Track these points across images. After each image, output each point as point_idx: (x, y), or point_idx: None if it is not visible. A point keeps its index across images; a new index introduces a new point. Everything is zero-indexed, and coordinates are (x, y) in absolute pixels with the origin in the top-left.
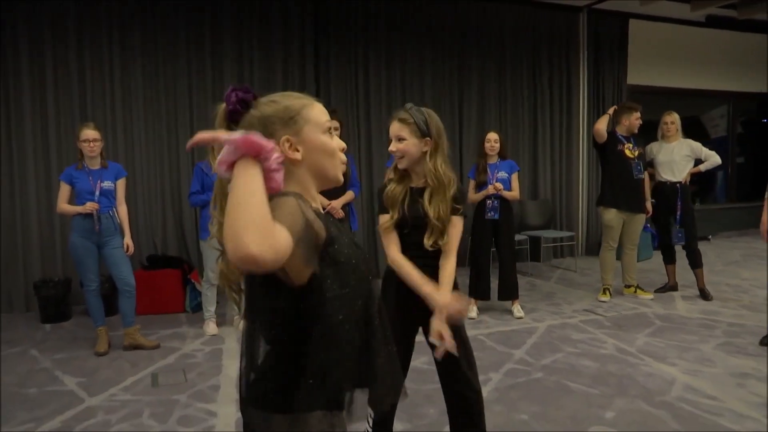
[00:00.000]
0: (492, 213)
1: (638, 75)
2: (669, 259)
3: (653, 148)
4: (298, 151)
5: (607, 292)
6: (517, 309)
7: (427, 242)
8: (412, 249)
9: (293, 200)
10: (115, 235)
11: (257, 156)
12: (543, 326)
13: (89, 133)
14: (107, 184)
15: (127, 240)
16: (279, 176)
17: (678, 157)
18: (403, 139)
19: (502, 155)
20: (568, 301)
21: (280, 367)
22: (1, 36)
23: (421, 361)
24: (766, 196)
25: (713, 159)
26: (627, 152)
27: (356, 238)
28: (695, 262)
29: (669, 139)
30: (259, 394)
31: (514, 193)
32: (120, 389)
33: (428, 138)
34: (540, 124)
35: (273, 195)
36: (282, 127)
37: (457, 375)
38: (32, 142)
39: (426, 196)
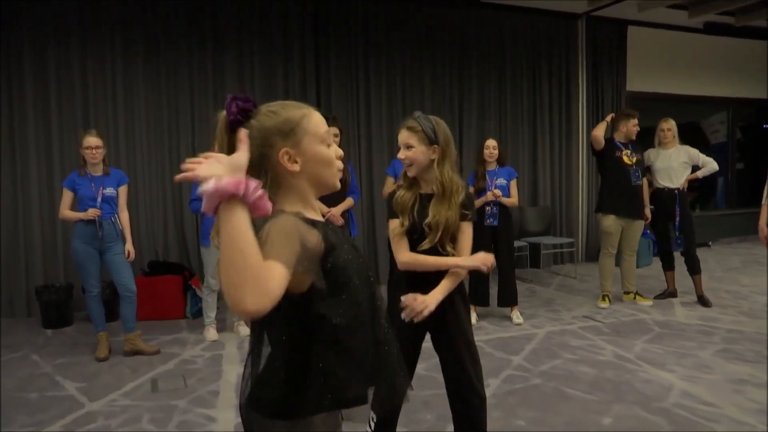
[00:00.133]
0: (491, 220)
1: (637, 81)
2: (668, 265)
3: (651, 154)
4: (296, 162)
5: (607, 299)
6: (516, 315)
7: (427, 244)
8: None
9: (290, 222)
10: (117, 241)
11: (235, 196)
12: (542, 333)
13: (91, 140)
14: (109, 191)
15: (128, 246)
16: (264, 203)
17: (676, 163)
18: (411, 147)
19: (500, 162)
20: (568, 307)
21: (283, 372)
22: (5, 43)
23: (420, 367)
24: (763, 202)
25: (710, 165)
26: (625, 159)
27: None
28: (694, 268)
29: (666, 145)
30: (261, 399)
31: (512, 200)
32: (120, 394)
33: (436, 145)
34: (539, 131)
35: (270, 215)
36: (281, 140)
37: (463, 380)
38: (35, 148)
39: (431, 203)
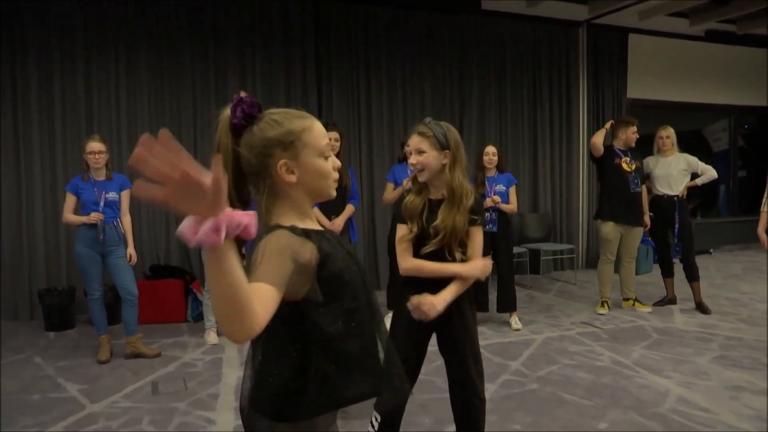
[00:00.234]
0: (490, 226)
1: (638, 89)
2: (667, 272)
3: (650, 162)
4: (293, 173)
5: (606, 305)
6: (515, 321)
7: (432, 246)
8: (431, 260)
9: (283, 239)
10: (119, 245)
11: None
12: (540, 338)
13: (94, 145)
14: (112, 195)
15: (130, 250)
16: (250, 230)
17: (675, 171)
18: (423, 152)
19: (500, 168)
20: (567, 313)
21: (281, 374)
22: (10, 50)
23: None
24: (762, 209)
25: (709, 173)
26: (624, 166)
27: (355, 250)
28: (692, 275)
29: (665, 153)
30: (262, 400)
31: (511, 206)
32: (121, 396)
33: (447, 150)
34: (540, 138)
35: (266, 229)
36: (281, 151)
37: (466, 383)
38: (39, 153)
39: (442, 206)
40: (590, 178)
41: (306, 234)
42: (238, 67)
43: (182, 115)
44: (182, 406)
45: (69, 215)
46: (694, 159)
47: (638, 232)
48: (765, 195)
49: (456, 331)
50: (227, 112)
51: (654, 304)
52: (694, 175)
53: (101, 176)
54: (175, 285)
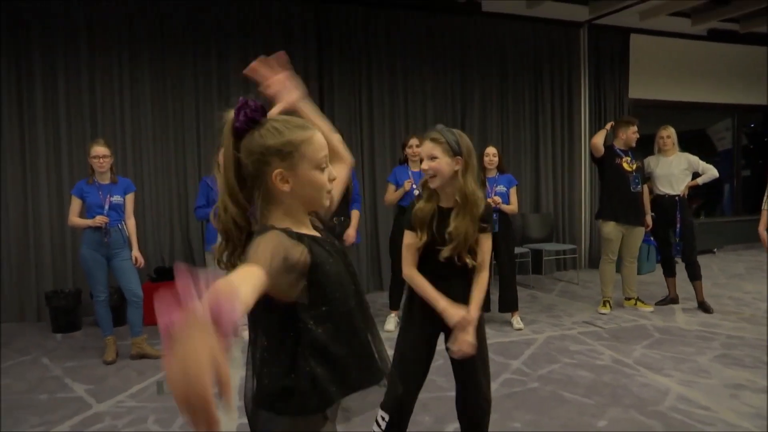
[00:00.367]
0: None
1: (640, 89)
2: (669, 272)
3: (651, 162)
4: (288, 183)
5: (607, 305)
6: (516, 321)
7: (444, 254)
8: (441, 269)
9: (275, 237)
10: (124, 248)
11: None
12: (542, 338)
13: (99, 149)
14: (116, 199)
15: (135, 253)
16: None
17: (676, 170)
18: (435, 158)
19: (500, 169)
20: (569, 313)
21: (275, 374)
22: (15, 55)
23: None
24: (763, 207)
25: (711, 172)
26: (625, 165)
27: (358, 251)
28: (694, 274)
29: (666, 152)
30: (261, 399)
31: (512, 207)
32: (127, 396)
33: (459, 157)
34: (542, 138)
35: (260, 229)
36: (278, 160)
37: (474, 385)
38: (45, 157)
39: (453, 214)
40: (592, 178)
41: (299, 237)
42: (240, 70)
43: (185, 117)
44: None
45: (74, 218)
46: (695, 158)
47: (639, 232)
48: (766, 194)
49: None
50: (231, 114)
51: (656, 304)
52: (696, 175)
53: (106, 180)
54: None
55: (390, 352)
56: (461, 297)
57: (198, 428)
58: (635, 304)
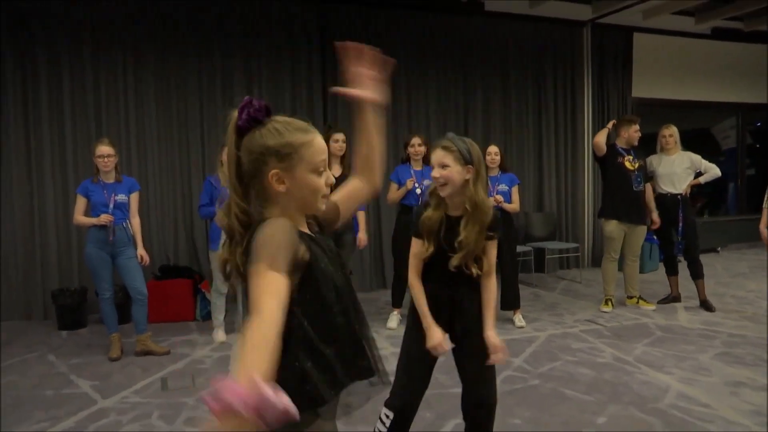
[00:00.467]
0: None
1: (643, 88)
2: (672, 270)
3: (653, 160)
4: (283, 183)
5: (610, 303)
6: (518, 319)
7: (453, 262)
8: (447, 276)
9: (285, 226)
10: (129, 246)
11: None
12: (544, 335)
13: (104, 149)
14: (121, 198)
15: (141, 251)
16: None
17: (679, 169)
18: (446, 166)
19: (502, 168)
20: (571, 311)
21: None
22: (20, 55)
23: None
24: (764, 206)
25: (713, 171)
26: (627, 164)
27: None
28: (696, 273)
29: (668, 151)
30: None
31: (514, 206)
32: (131, 392)
33: (470, 165)
34: (545, 137)
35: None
36: (276, 161)
37: (480, 385)
38: (50, 157)
39: (462, 222)
40: (595, 176)
41: (299, 235)
42: (243, 70)
43: (189, 117)
44: (190, 401)
45: (79, 217)
46: (697, 157)
47: (641, 231)
48: (767, 192)
49: (475, 337)
50: (235, 113)
51: (658, 302)
52: (699, 174)
53: (111, 179)
54: (184, 285)
55: (393, 350)
56: (468, 303)
57: None
58: (637, 302)
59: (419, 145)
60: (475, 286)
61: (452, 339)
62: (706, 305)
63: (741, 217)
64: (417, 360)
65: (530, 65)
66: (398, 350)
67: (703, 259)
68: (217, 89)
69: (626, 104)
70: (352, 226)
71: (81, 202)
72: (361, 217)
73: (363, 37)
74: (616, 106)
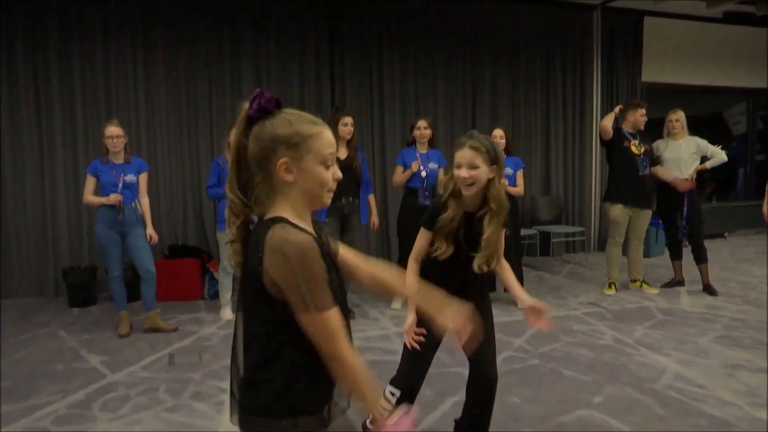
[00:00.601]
0: None
1: (654, 72)
2: (676, 254)
3: (660, 145)
4: (291, 173)
5: (613, 286)
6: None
7: (478, 262)
8: (456, 265)
9: (312, 250)
10: (137, 226)
11: None
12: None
13: (113, 129)
14: (130, 178)
15: (149, 230)
16: None
17: (685, 154)
18: (476, 167)
19: (507, 152)
20: (574, 294)
21: (258, 372)
22: (32, 38)
23: None
24: (767, 188)
25: (719, 156)
26: (633, 149)
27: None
28: (700, 257)
29: (675, 136)
30: (251, 406)
31: (518, 189)
32: (139, 367)
33: (495, 165)
34: (553, 121)
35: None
36: (285, 150)
37: (485, 361)
38: (61, 138)
39: (486, 220)
40: (603, 161)
41: (319, 246)
42: (252, 54)
43: (198, 99)
44: (197, 376)
45: (89, 196)
46: (704, 142)
47: (646, 215)
48: None
49: (483, 315)
50: (247, 104)
51: (662, 286)
52: (705, 159)
53: (120, 159)
54: (193, 264)
55: (396, 329)
56: (474, 284)
57: None
58: (641, 286)
59: (425, 128)
60: (476, 274)
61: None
62: (709, 289)
63: (749, 202)
64: (422, 345)
65: (540, 48)
66: (402, 330)
67: (710, 244)
68: (225, 71)
69: (636, 88)
70: (359, 208)
71: (91, 182)
72: (371, 200)
73: (371, 19)
74: (625, 91)
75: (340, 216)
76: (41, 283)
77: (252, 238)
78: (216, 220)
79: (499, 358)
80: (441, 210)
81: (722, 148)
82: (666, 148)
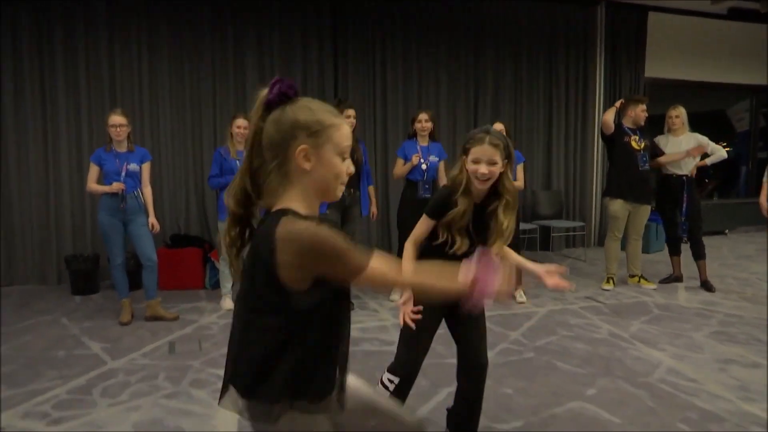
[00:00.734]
0: None
1: (657, 68)
2: (674, 250)
3: (660, 141)
4: (309, 161)
5: (611, 281)
6: (519, 294)
7: (495, 250)
8: (452, 255)
9: (322, 230)
10: (140, 214)
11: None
12: (543, 311)
13: (116, 118)
14: (133, 167)
15: (152, 219)
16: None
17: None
18: (495, 163)
19: None
20: (573, 288)
21: (258, 359)
22: (37, 27)
23: None
24: (764, 180)
25: (719, 153)
26: (633, 144)
27: (367, 223)
28: (698, 253)
29: (676, 132)
30: (241, 383)
31: (518, 183)
32: (140, 354)
33: (507, 160)
34: (555, 116)
35: (281, 212)
36: (306, 137)
37: (477, 347)
38: (65, 126)
39: (501, 211)
40: (605, 156)
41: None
42: (255, 46)
43: (202, 89)
44: (196, 364)
45: (92, 185)
46: (704, 138)
47: (645, 210)
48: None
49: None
50: (265, 90)
51: (660, 282)
52: (705, 155)
53: (123, 148)
54: (195, 253)
55: (394, 321)
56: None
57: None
58: (639, 281)
59: (426, 120)
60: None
61: (449, 307)
62: (706, 286)
63: (751, 200)
64: (420, 329)
65: (543, 43)
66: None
67: (711, 241)
68: (229, 61)
69: (639, 84)
70: (360, 200)
71: (94, 170)
72: (371, 191)
73: (375, 11)
74: (628, 86)
75: (340, 207)
76: (44, 271)
77: (260, 230)
78: (218, 210)
79: (494, 350)
80: (449, 203)
81: (725, 146)
82: (666, 144)
